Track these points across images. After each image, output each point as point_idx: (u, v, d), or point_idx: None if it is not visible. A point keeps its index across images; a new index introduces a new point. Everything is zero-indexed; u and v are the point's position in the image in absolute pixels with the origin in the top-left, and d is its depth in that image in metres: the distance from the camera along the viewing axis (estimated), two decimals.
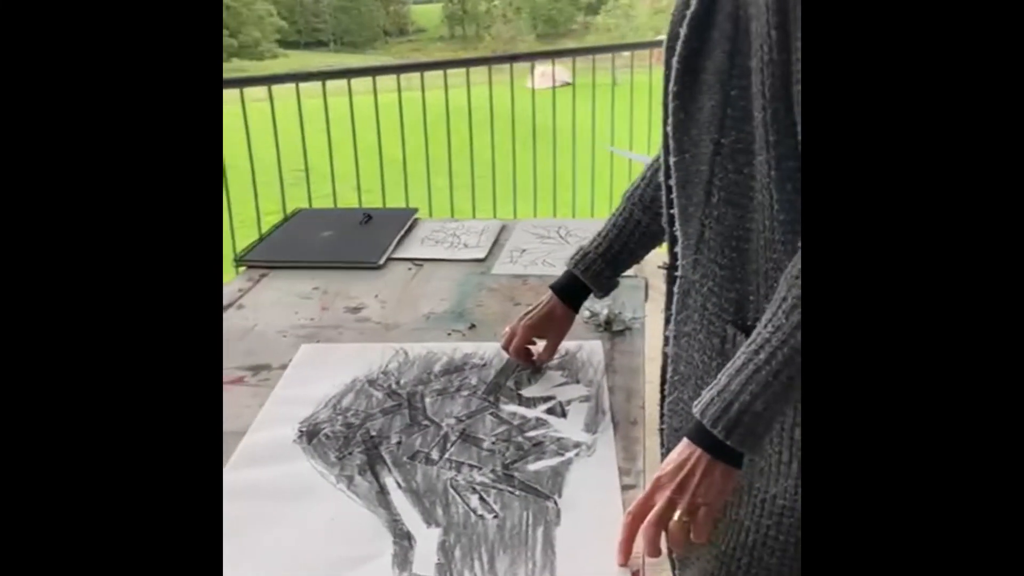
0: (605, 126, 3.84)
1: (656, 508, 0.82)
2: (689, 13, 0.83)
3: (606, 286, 1.21)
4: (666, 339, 1.00)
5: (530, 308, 1.24)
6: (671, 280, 0.98)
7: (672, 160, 0.90)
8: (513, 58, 3.77)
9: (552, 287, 1.23)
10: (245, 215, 3.39)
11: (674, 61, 0.86)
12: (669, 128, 0.89)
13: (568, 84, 5.04)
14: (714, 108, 0.83)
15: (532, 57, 4.19)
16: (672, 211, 0.94)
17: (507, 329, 1.24)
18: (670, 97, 0.87)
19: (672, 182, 0.91)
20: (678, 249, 0.95)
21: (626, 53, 4.46)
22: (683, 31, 0.84)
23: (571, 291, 1.21)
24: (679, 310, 0.96)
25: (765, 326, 0.79)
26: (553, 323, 1.22)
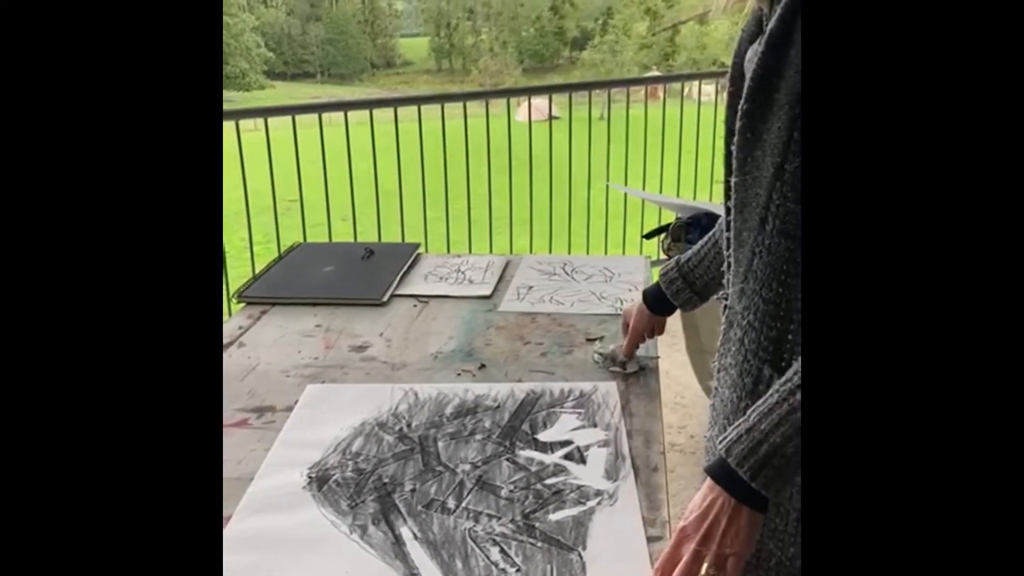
0: (600, 160, 3.83)
1: (682, 563, 0.79)
2: (768, 29, 0.80)
3: (681, 298, 1.24)
4: (713, 370, 0.96)
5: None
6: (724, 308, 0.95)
7: (733, 180, 0.86)
8: (509, 92, 3.77)
9: (643, 294, 1.30)
10: (231, 246, 3.36)
11: (748, 79, 0.82)
12: (734, 147, 0.85)
13: (556, 118, 5.05)
14: (781, 130, 0.79)
15: (529, 92, 4.19)
16: (728, 234, 0.90)
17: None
18: (739, 115, 0.83)
19: (731, 203, 0.88)
20: (729, 276, 0.91)
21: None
22: (760, 48, 0.81)
23: (657, 300, 1.28)
24: (723, 342, 0.92)
25: None
26: (642, 322, 1.30)
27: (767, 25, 0.81)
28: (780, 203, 0.81)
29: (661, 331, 1.35)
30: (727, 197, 0.90)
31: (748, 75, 0.83)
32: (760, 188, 0.83)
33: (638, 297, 1.31)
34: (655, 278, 1.29)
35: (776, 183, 0.81)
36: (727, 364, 0.91)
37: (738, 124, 0.84)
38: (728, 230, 0.90)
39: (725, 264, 0.93)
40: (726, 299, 0.93)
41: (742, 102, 0.83)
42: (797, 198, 0.80)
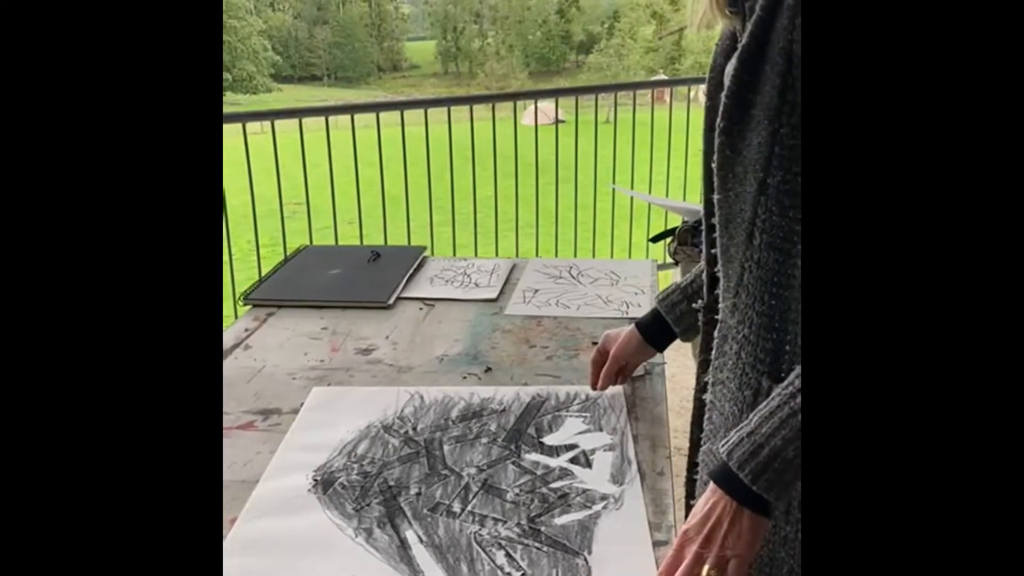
0: (605, 163, 3.83)
1: (684, 565, 0.78)
2: (740, 46, 0.80)
3: (685, 323, 1.18)
4: (704, 385, 0.96)
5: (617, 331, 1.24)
6: (710, 323, 0.95)
7: (716, 197, 0.86)
8: (516, 96, 3.77)
9: (636, 323, 1.21)
10: (237, 248, 3.36)
11: (722, 96, 0.82)
12: (714, 164, 0.86)
13: (562, 122, 5.05)
14: (761, 145, 0.79)
15: (535, 95, 4.19)
16: (714, 250, 0.90)
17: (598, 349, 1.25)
18: (717, 133, 0.84)
19: (715, 220, 0.88)
20: (719, 291, 0.92)
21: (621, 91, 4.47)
22: (733, 64, 0.81)
23: (653, 328, 1.20)
24: (716, 356, 0.92)
25: None
26: (627, 351, 1.21)
27: (740, 42, 0.81)
28: (766, 217, 0.81)
29: (627, 376, 1.26)
30: (710, 214, 0.90)
31: (723, 92, 0.83)
32: (744, 204, 0.83)
33: (644, 300, 1.30)
34: (660, 283, 1.29)
35: (760, 198, 0.81)
36: (724, 378, 0.91)
37: (716, 141, 0.84)
38: (714, 247, 0.90)
39: (708, 280, 0.93)
40: (716, 315, 0.93)
41: (719, 119, 0.83)
42: (782, 211, 0.80)
